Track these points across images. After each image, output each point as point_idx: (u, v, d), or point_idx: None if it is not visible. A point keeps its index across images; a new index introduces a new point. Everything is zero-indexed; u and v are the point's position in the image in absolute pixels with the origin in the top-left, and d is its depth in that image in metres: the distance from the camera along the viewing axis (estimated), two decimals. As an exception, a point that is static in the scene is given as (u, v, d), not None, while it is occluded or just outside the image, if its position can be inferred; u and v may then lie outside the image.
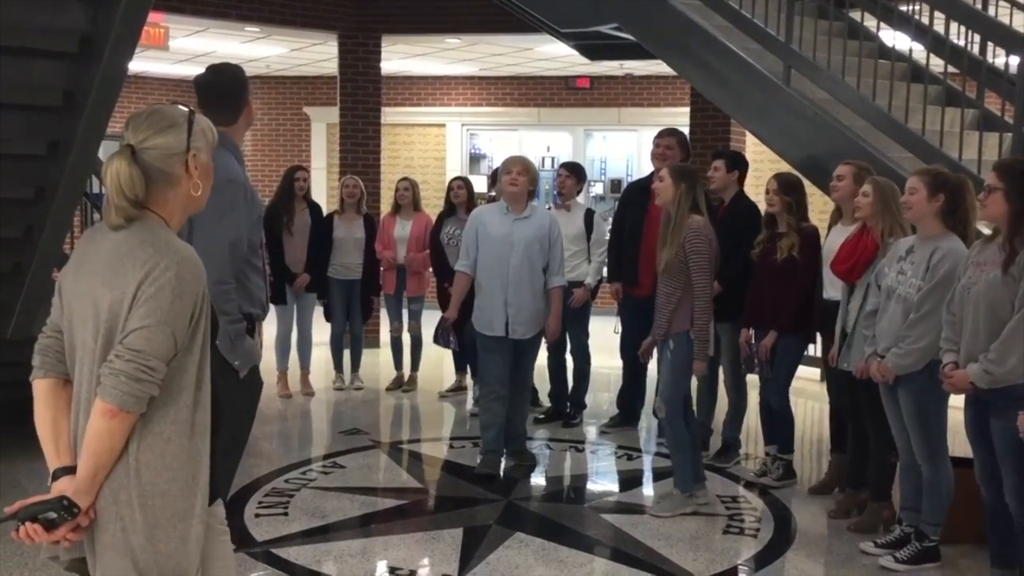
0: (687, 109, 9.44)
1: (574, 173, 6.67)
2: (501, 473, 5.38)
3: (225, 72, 3.35)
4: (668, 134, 6.03)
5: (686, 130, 9.26)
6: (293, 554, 4.20)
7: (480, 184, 8.97)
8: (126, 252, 2.00)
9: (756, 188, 7.50)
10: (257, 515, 4.68)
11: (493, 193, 6.76)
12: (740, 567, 4.21)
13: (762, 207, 5.29)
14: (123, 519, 1.97)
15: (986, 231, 3.99)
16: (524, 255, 5.24)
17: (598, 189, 12.70)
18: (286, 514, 4.71)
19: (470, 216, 5.51)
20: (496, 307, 5.23)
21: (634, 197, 6.22)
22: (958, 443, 4.87)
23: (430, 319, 7.58)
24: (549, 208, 6.94)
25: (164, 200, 2.10)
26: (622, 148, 12.69)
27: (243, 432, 3.29)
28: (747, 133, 8.38)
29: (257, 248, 3.23)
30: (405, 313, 7.52)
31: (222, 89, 3.28)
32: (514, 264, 5.22)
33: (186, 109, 2.15)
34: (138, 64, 11.17)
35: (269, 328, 7.04)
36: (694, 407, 5.16)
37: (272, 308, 6.98)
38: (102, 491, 1.98)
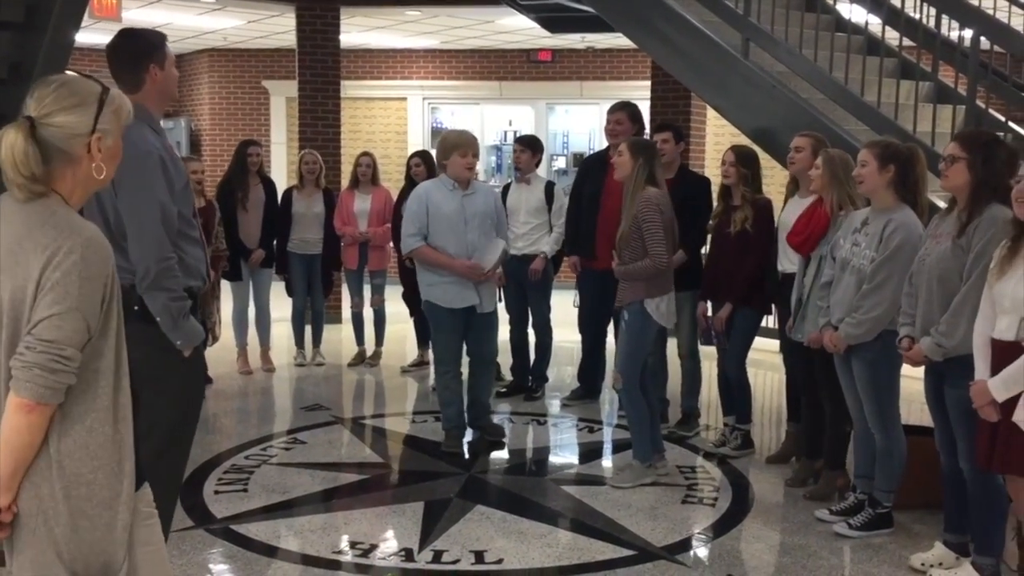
0: (648, 82, 9.44)
1: (529, 147, 6.64)
2: (465, 449, 5.39)
3: (128, 36, 3.17)
4: (619, 108, 6.03)
5: (647, 103, 9.34)
6: (253, 530, 4.18)
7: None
8: (25, 236, 1.87)
9: (718, 161, 7.53)
10: (216, 492, 4.65)
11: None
12: (698, 536, 4.27)
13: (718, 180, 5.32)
14: (46, 512, 1.90)
15: (941, 204, 4.04)
16: (480, 229, 5.18)
17: (560, 163, 12.69)
18: (246, 490, 4.69)
19: (415, 194, 5.31)
20: (463, 281, 5.14)
21: (591, 170, 6.21)
22: (911, 412, 4.98)
23: (393, 293, 7.58)
24: (510, 182, 6.92)
25: (63, 177, 1.95)
26: (584, 121, 12.68)
27: (193, 413, 3.21)
28: (707, 106, 8.40)
29: (190, 218, 3.12)
30: (367, 288, 7.48)
31: (122, 55, 3.10)
32: (471, 239, 5.16)
33: (99, 86, 1.99)
34: (91, 36, 10.91)
35: (226, 305, 7.01)
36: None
37: (227, 285, 7.00)
38: (23, 486, 1.90)
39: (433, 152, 8.15)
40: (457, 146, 5.16)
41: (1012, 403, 3.14)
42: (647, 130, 6.48)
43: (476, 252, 5.16)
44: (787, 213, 4.86)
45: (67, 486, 1.90)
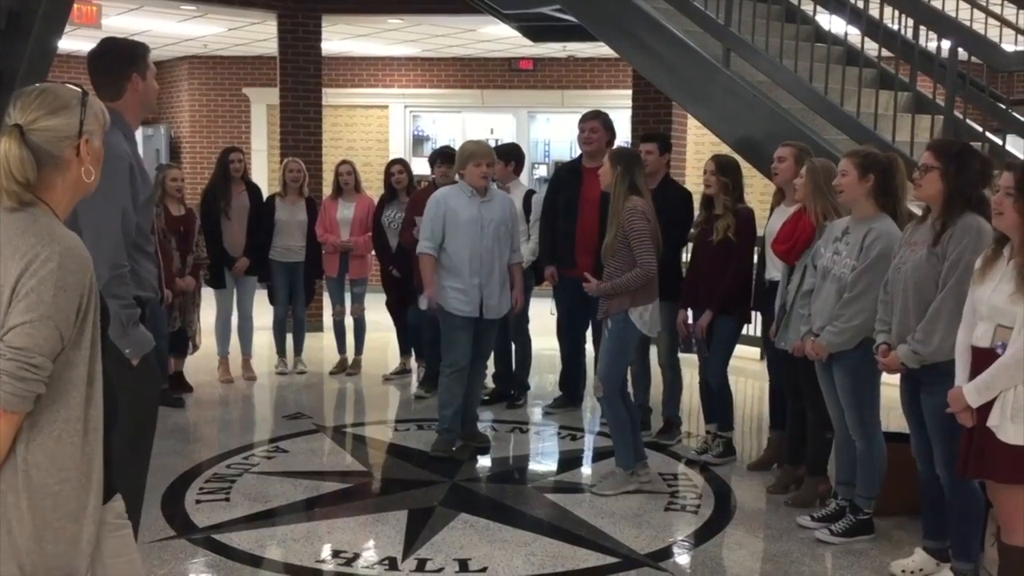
0: (630, 91, 9.49)
1: (500, 158, 6.57)
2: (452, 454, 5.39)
3: (111, 45, 3.18)
4: (591, 117, 6.07)
5: (628, 112, 9.39)
6: (235, 540, 4.15)
7: (421, 166, 8.90)
8: (4, 242, 1.88)
9: (699, 170, 7.58)
10: (198, 501, 4.62)
11: (434, 176, 6.66)
12: (681, 543, 4.28)
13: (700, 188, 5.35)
14: (10, 522, 1.88)
15: (918, 212, 4.08)
16: (494, 237, 5.30)
17: (542, 171, 12.72)
18: (228, 499, 4.66)
19: (434, 199, 5.40)
20: (471, 289, 5.24)
21: (566, 179, 6.22)
22: (892, 419, 5.02)
23: (373, 302, 7.57)
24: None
25: (51, 185, 1.97)
26: (566, 130, 12.68)
27: (148, 423, 3.16)
28: (688, 115, 8.46)
29: (147, 233, 3.12)
30: (348, 296, 7.47)
31: (104, 63, 3.11)
32: (486, 246, 5.26)
33: (79, 90, 2.02)
34: (71, 43, 10.86)
35: (208, 313, 6.97)
36: (629, 388, 5.20)
37: (211, 292, 6.96)
38: None
39: (412, 161, 8.24)
40: (473, 156, 5.30)
41: (988, 408, 3.16)
42: (629, 139, 6.50)
43: (487, 262, 5.26)
44: (773, 222, 4.89)
45: (32, 496, 1.88)
